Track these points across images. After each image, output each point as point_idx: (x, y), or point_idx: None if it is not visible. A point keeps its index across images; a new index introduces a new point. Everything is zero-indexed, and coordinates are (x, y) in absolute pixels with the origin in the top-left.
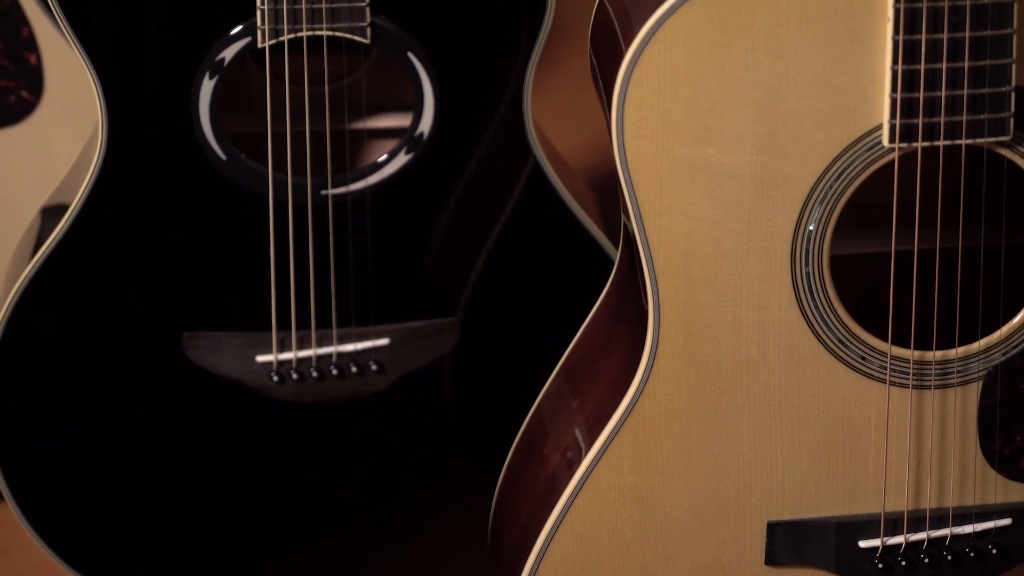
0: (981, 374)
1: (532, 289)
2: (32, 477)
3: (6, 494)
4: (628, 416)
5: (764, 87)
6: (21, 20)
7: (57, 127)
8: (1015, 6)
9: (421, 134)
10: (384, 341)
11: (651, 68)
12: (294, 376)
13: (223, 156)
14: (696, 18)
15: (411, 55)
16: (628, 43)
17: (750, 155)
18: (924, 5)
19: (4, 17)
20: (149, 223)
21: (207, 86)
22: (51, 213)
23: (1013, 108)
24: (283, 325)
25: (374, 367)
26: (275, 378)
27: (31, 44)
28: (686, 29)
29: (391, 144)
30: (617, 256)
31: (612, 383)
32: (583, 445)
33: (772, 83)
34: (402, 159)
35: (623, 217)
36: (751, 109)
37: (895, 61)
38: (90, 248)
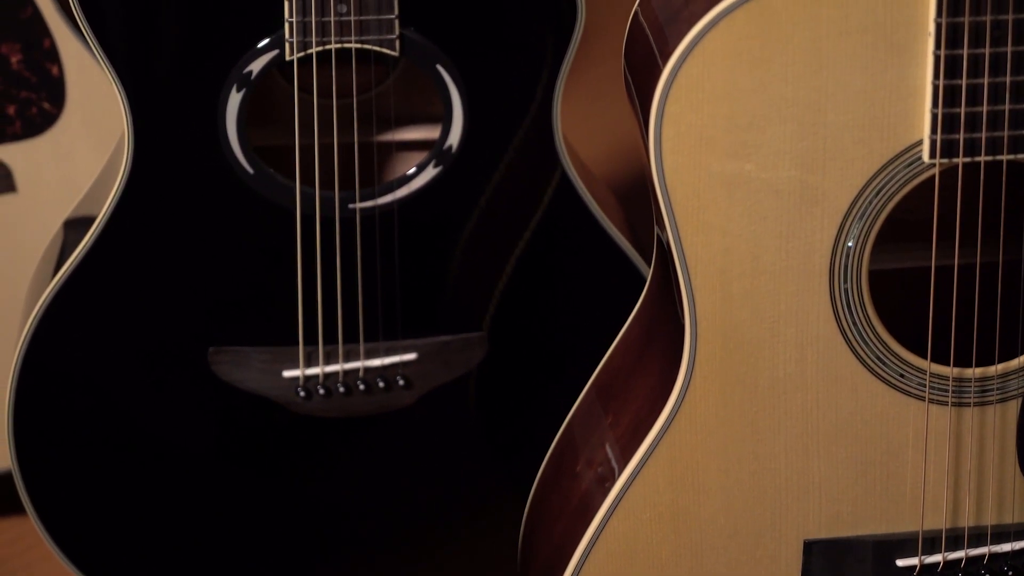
0: (1020, 391)
1: (559, 302)
2: (55, 493)
3: (29, 509)
4: (664, 434)
5: (804, 102)
6: (43, 31)
7: (79, 139)
8: None
9: (450, 147)
10: (411, 356)
11: (689, 83)
12: (321, 391)
13: (250, 170)
14: (735, 33)
15: (440, 67)
16: (665, 58)
17: (789, 171)
18: (966, 20)
19: (26, 28)
20: (175, 237)
21: (235, 99)
22: (74, 226)
23: None
24: (310, 340)
25: (401, 382)
26: (302, 393)
27: (53, 55)
28: (725, 44)
29: (417, 156)
30: (650, 271)
31: (647, 400)
32: (617, 463)
33: (812, 98)
34: (430, 172)
35: (657, 231)
36: (790, 124)
37: (936, 76)
38: (116, 262)
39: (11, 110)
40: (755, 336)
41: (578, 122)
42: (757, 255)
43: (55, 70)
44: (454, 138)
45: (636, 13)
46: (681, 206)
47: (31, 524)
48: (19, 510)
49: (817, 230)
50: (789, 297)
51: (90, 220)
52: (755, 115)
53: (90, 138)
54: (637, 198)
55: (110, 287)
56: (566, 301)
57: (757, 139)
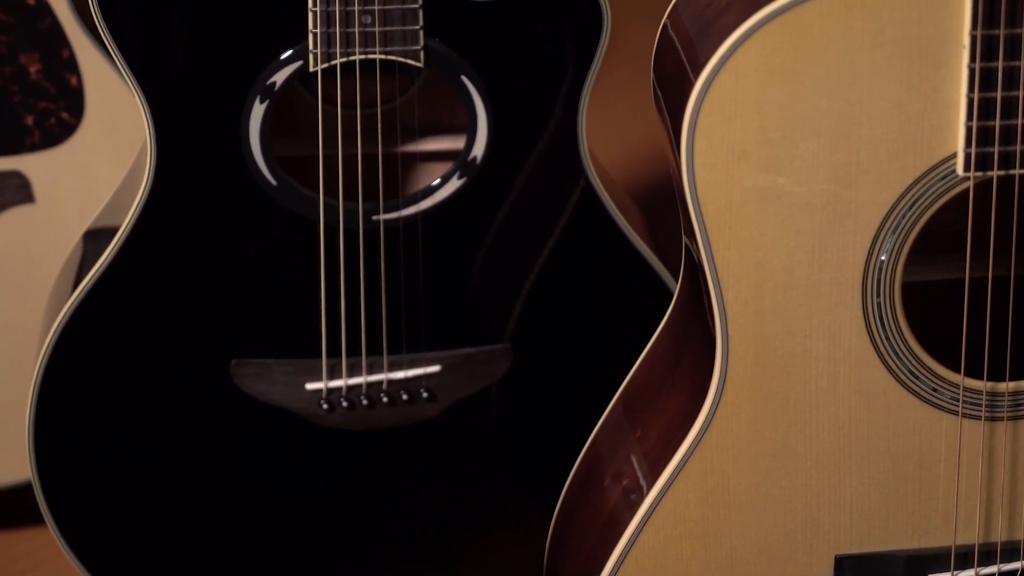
0: None
1: (583, 312)
2: (75, 504)
3: (48, 520)
4: (695, 448)
5: (837, 115)
6: (62, 41)
7: (98, 149)
8: None
9: (474, 158)
10: (435, 368)
11: (722, 96)
12: (344, 404)
13: (273, 181)
14: (768, 46)
15: (464, 78)
16: (697, 71)
17: (822, 184)
18: (1001, 32)
19: (44, 38)
20: (198, 248)
21: (258, 110)
22: (94, 237)
23: None
24: (333, 352)
25: (425, 394)
26: (324, 406)
27: (72, 65)
28: (758, 57)
29: (441, 167)
30: (678, 283)
31: (676, 415)
32: (647, 478)
33: (845, 111)
34: (455, 184)
35: (686, 243)
36: (824, 138)
37: (971, 89)
38: (138, 273)
39: (30, 120)
40: (787, 350)
41: (595, 128)
42: (790, 269)
43: (74, 80)
44: (479, 149)
45: (665, 26)
46: (713, 220)
47: (49, 535)
48: (37, 521)
49: (850, 244)
50: (821, 311)
51: (110, 231)
52: (788, 128)
53: (109, 148)
54: (655, 205)
55: (132, 298)
56: (589, 311)
57: (790, 152)
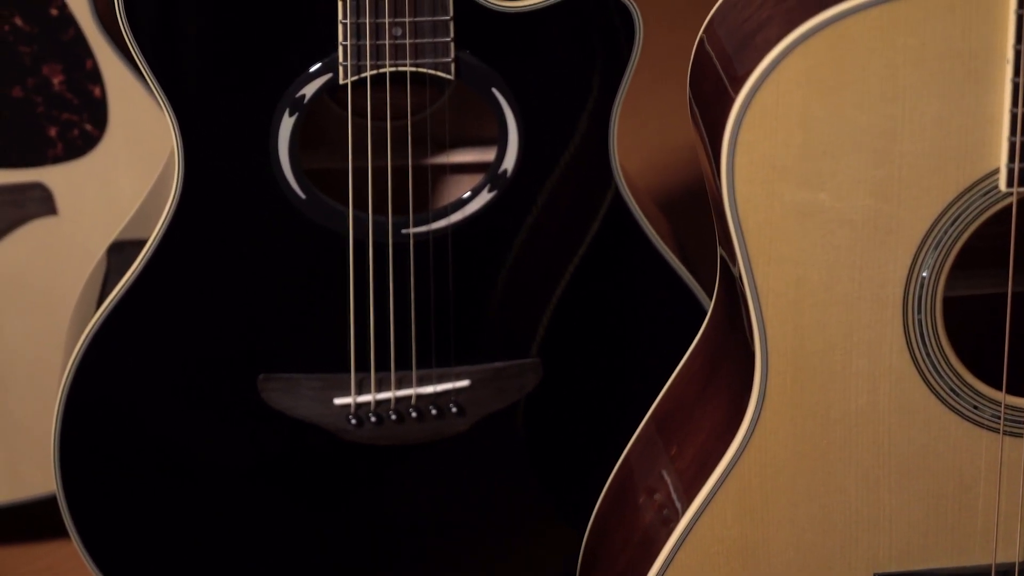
0: None
1: (613, 326)
2: (101, 520)
3: (73, 535)
4: (733, 467)
5: (879, 130)
6: (85, 52)
7: (121, 161)
8: None
9: (505, 171)
10: (464, 383)
11: (763, 111)
12: (372, 419)
13: (302, 194)
14: (810, 61)
15: (495, 91)
16: (737, 86)
17: (864, 200)
18: None
19: (68, 49)
20: (225, 262)
21: (287, 123)
22: (118, 249)
23: None
24: (362, 367)
25: (454, 409)
26: (353, 421)
27: (95, 76)
28: (800, 72)
29: (469, 180)
30: (713, 298)
31: (713, 432)
32: (683, 496)
33: (887, 126)
34: (485, 197)
35: (722, 258)
36: (865, 153)
37: (1015, 103)
38: (165, 287)
39: (53, 132)
40: (827, 368)
41: (618, 134)
42: (830, 286)
43: (97, 91)
44: (509, 162)
45: (702, 40)
46: (753, 236)
47: (72, 549)
48: (60, 535)
49: (891, 260)
50: (862, 328)
51: (135, 244)
52: (829, 143)
53: (132, 160)
54: (677, 211)
55: (159, 312)
56: (618, 324)
57: (831, 168)
